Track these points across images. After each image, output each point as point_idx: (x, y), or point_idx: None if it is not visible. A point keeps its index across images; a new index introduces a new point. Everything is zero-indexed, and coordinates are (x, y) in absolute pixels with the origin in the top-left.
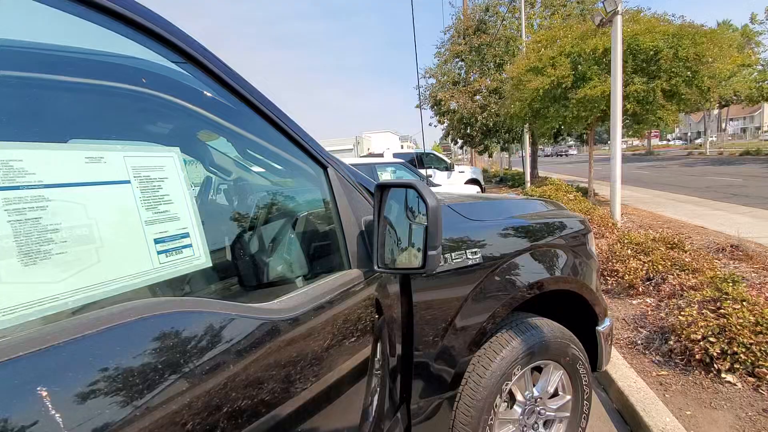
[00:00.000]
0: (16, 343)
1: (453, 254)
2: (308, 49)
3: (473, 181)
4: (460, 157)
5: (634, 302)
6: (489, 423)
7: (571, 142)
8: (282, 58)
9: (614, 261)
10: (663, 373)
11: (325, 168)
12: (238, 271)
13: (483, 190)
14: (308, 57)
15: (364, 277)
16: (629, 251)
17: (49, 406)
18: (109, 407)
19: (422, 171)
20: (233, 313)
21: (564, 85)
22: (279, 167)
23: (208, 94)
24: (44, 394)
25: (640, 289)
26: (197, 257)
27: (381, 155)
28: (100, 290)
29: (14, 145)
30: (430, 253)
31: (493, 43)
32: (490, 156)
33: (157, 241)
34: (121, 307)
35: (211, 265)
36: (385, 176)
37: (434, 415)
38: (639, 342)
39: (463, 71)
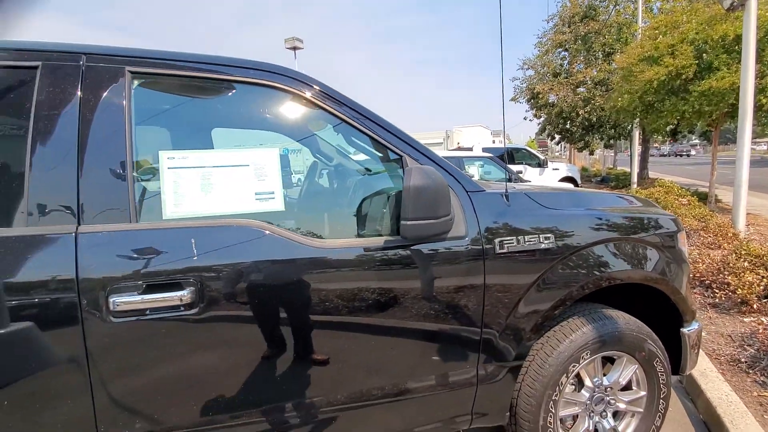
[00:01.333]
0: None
1: (526, 237)
2: (404, 43)
3: (568, 179)
4: (557, 153)
5: (745, 320)
6: (553, 398)
7: (695, 141)
8: (379, 53)
9: (726, 273)
10: (766, 394)
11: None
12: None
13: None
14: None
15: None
16: (746, 264)
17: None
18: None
19: (512, 167)
20: (286, 235)
21: (684, 76)
22: (371, 159)
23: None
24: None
25: (755, 306)
26: (277, 204)
27: (470, 149)
28: (228, 211)
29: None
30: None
31: (602, 31)
32: (591, 153)
33: (257, 194)
34: (234, 219)
35: (283, 209)
36: (472, 170)
37: (498, 380)
38: (743, 360)
39: (566, 62)
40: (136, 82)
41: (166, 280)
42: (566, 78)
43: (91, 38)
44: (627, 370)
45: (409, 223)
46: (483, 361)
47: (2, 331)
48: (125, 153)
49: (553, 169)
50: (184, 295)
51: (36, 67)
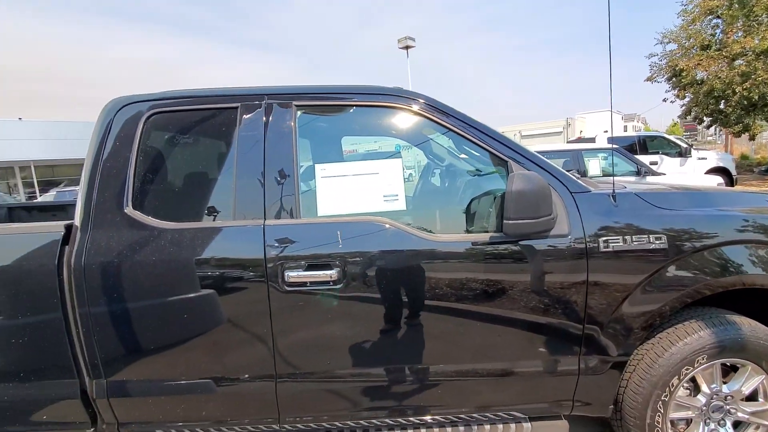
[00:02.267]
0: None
1: (633, 237)
2: (515, 27)
3: (718, 171)
4: (711, 138)
5: None
6: (662, 399)
7: None
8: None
9: None
10: None
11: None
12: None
13: (734, 182)
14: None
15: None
16: None
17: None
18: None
19: (644, 158)
20: (407, 230)
21: None
22: (478, 162)
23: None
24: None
25: None
26: (400, 204)
27: (592, 140)
28: (361, 210)
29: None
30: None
31: None
32: (752, 139)
33: (384, 197)
34: (365, 216)
35: (404, 209)
36: (594, 163)
37: (601, 373)
38: None
39: (718, 31)
40: (299, 112)
41: (320, 261)
42: (718, 50)
43: (231, 53)
44: (752, 380)
45: (510, 222)
46: (584, 353)
47: (227, 288)
48: (293, 167)
49: (699, 159)
50: (333, 273)
51: (237, 107)
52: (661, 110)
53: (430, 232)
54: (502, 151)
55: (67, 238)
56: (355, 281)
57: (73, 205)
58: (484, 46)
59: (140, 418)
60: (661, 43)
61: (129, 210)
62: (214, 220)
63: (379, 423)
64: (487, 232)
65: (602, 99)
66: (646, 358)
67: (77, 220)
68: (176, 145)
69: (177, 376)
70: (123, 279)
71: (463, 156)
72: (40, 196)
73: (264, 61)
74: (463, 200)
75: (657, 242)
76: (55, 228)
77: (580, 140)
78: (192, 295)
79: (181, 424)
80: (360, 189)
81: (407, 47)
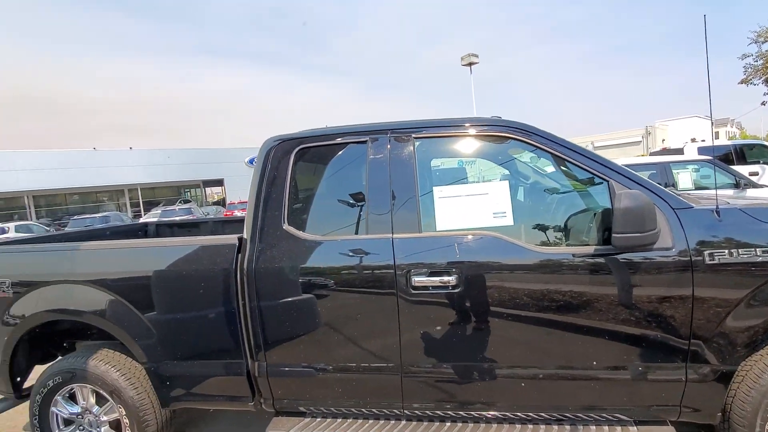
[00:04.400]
0: (454, 235)
1: (739, 250)
2: (583, 35)
3: None
4: None
5: None
6: None
7: None
8: (556, 49)
9: None
10: None
11: (607, 182)
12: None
13: None
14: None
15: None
16: None
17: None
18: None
19: (742, 168)
20: (515, 242)
21: None
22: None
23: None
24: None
25: None
26: (508, 221)
27: (680, 150)
28: (474, 226)
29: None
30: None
31: None
32: None
33: (494, 213)
34: (479, 231)
35: (512, 224)
36: (685, 176)
37: (707, 382)
38: None
39: None
40: (417, 143)
41: (440, 269)
42: None
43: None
44: None
45: (619, 235)
46: (690, 362)
47: (363, 290)
48: (414, 189)
49: None
50: (452, 280)
51: (366, 141)
52: (758, 114)
53: (538, 244)
54: (603, 172)
55: (238, 248)
56: (470, 286)
57: (199, 224)
58: (551, 56)
59: (291, 395)
60: (755, 42)
61: (285, 226)
62: (351, 233)
63: (490, 416)
64: (588, 245)
65: (684, 105)
66: (755, 368)
67: (246, 234)
68: (319, 172)
69: (321, 363)
70: (282, 281)
71: (560, 176)
72: (144, 214)
73: (328, 83)
74: (561, 216)
75: (764, 255)
76: (230, 240)
77: (665, 151)
78: (333, 294)
79: (321, 400)
80: (472, 207)
81: (470, 64)
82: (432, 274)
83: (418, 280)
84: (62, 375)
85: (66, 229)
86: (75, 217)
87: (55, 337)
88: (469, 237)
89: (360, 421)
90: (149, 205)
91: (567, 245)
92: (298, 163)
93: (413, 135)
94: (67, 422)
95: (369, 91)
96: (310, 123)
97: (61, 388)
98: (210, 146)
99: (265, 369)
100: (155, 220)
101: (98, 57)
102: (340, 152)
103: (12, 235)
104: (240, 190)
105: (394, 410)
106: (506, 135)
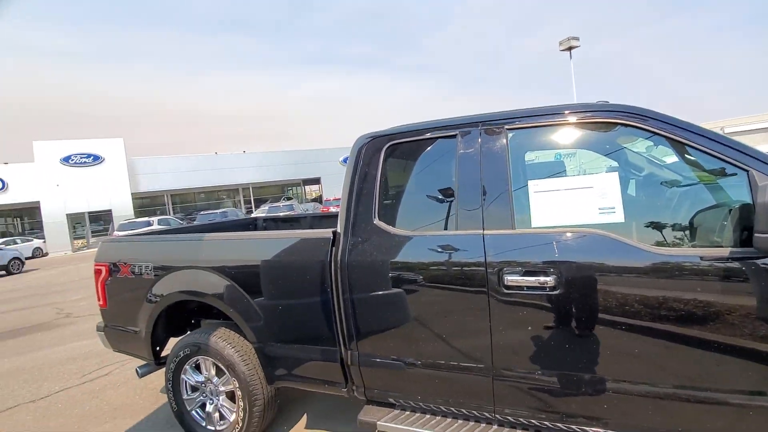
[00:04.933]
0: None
1: None
2: (705, 5)
3: None
4: None
5: None
6: None
7: None
8: (675, 24)
9: None
10: None
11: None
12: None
13: None
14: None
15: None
16: None
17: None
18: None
19: None
20: (626, 241)
21: None
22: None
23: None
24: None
25: None
26: (617, 217)
27: None
28: (575, 222)
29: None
30: None
31: None
32: None
33: (600, 209)
34: (582, 228)
35: (623, 221)
36: None
37: None
38: None
39: None
40: (510, 134)
41: (537, 268)
42: None
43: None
44: None
45: (763, 235)
46: None
47: (452, 287)
48: (507, 183)
49: None
50: (549, 280)
51: (455, 135)
52: None
53: (656, 244)
54: (741, 161)
55: (333, 241)
56: (571, 289)
57: (300, 218)
58: (667, 33)
59: (381, 386)
60: None
61: (376, 221)
62: (440, 229)
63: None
64: (720, 246)
65: None
66: None
67: (340, 228)
68: (409, 168)
69: (409, 357)
70: (372, 274)
71: (682, 167)
72: (255, 210)
73: (420, 82)
74: (684, 213)
75: None
76: (325, 234)
77: None
78: (422, 289)
79: (410, 395)
80: (574, 202)
81: (570, 48)
82: (527, 273)
83: (512, 279)
84: (190, 348)
85: (195, 222)
86: (201, 212)
87: (186, 314)
88: (571, 234)
89: (449, 420)
90: (259, 202)
91: (691, 246)
92: (388, 159)
93: (506, 126)
94: (194, 389)
95: (461, 87)
96: (403, 122)
97: (189, 359)
98: (308, 147)
99: (357, 358)
100: (263, 215)
101: (215, 71)
102: (430, 147)
103: (156, 227)
104: (335, 188)
105: (485, 413)
106: (615, 121)
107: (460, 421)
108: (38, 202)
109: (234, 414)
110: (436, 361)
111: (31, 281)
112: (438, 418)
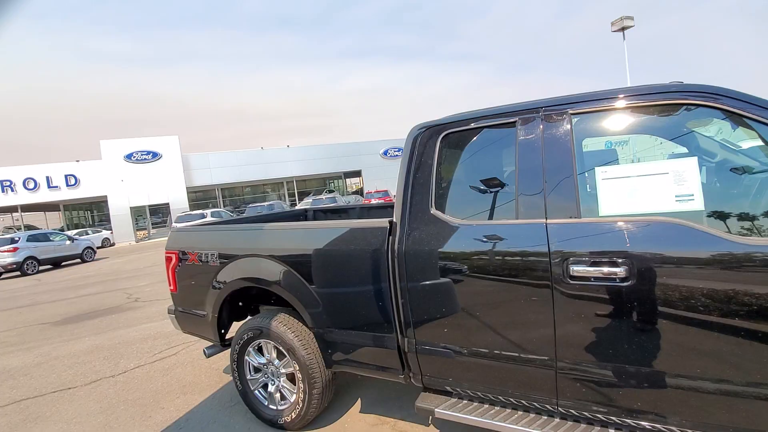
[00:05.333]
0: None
1: None
2: None
3: None
4: None
5: None
6: None
7: None
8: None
9: None
10: None
11: None
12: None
13: None
14: None
15: None
16: None
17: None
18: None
19: None
20: (707, 231)
21: None
22: None
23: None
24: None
25: None
26: (695, 205)
27: None
28: (649, 211)
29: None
30: None
31: None
32: None
33: (677, 197)
34: (656, 217)
35: (703, 209)
36: None
37: None
38: None
39: None
40: (574, 119)
41: (606, 258)
42: None
43: (430, 71)
44: None
45: None
46: None
47: (513, 277)
48: (572, 170)
49: None
50: (620, 271)
51: (515, 121)
52: None
53: (741, 234)
54: None
55: (389, 231)
56: (645, 280)
57: (348, 209)
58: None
59: (438, 374)
60: None
61: (433, 210)
62: (499, 218)
63: (664, 430)
64: None
65: None
66: None
67: (396, 218)
68: (466, 157)
69: (468, 347)
70: (429, 263)
71: (761, 152)
72: (299, 203)
73: (462, 71)
74: (765, 201)
75: None
76: (382, 223)
77: None
78: (480, 279)
79: (467, 384)
80: (647, 189)
81: (623, 29)
82: (595, 263)
83: (578, 269)
84: (253, 331)
85: (244, 214)
86: (250, 205)
87: (247, 300)
88: (643, 223)
89: (508, 410)
90: (302, 195)
91: None
92: (444, 149)
93: (570, 111)
94: (256, 369)
95: (505, 74)
96: (445, 112)
97: (252, 342)
98: (349, 140)
99: (414, 346)
100: (313, 206)
101: (259, 70)
102: (488, 135)
103: (209, 219)
104: (376, 180)
105: (546, 405)
106: (692, 102)
107: (519, 412)
108: (105, 197)
109: (294, 395)
110: (494, 352)
111: (102, 268)
112: (497, 408)
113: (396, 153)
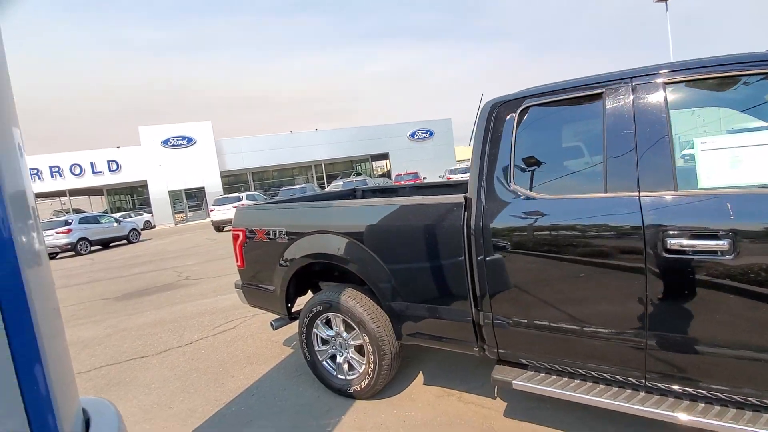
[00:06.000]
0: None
1: None
2: None
3: None
4: None
5: None
6: None
7: None
8: None
9: None
10: None
11: None
12: None
13: None
14: None
15: None
16: None
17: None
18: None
19: None
20: None
21: None
22: None
23: None
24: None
25: None
26: None
27: None
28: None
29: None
30: None
31: None
32: None
33: None
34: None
35: None
36: None
37: None
38: None
39: None
40: (670, 88)
41: (705, 231)
42: None
43: (456, 50)
44: None
45: None
46: None
47: (601, 251)
48: (667, 141)
49: None
50: (722, 244)
51: (602, 92)
52: None
53: None
54: None
55: (465, 206)
56: (749, 254)
57: (397, 189)
58: None
59: (515, 346)
60: None
61: (513, 186)
62: (585, 192)
63: (743, 401)
64: None
65: None
66: None
67: (471, 194)
68: (547, 130)
69: (550, 322)
70: (510, 239)
71: None
72: (327, 186)
73: (490, 49)
74: None
75: None
76: (457, 199)
77: None
78: (565, 254)
79: (546, 357)
80: (752, 160)
81: None
82: (694, 237)
83: (676, 243)
84: (322, 305)
85: (277, 197)
86: (283, 188)
87: (310, 276)
88: (749, 195)
89: (589, 384)
90: (330, 179)
91: None
92: (524, 122)
93: (663, 80)
94: (324, 341)
95: (535, 51)
96: (474, 94)
97: (321, 315)
98: (376, 123)
99: (491, 319)
100: (361, 186)
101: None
102: (571, 107)
103: (245, 202)
104: (403, 162)
105: (631, 379)
106: None
107: (601, 386)
108: (145, 181)
109: (363, 366)
110: (578, 327)
111: (148, 249)
112: (576, 381)
113: (423, 135)
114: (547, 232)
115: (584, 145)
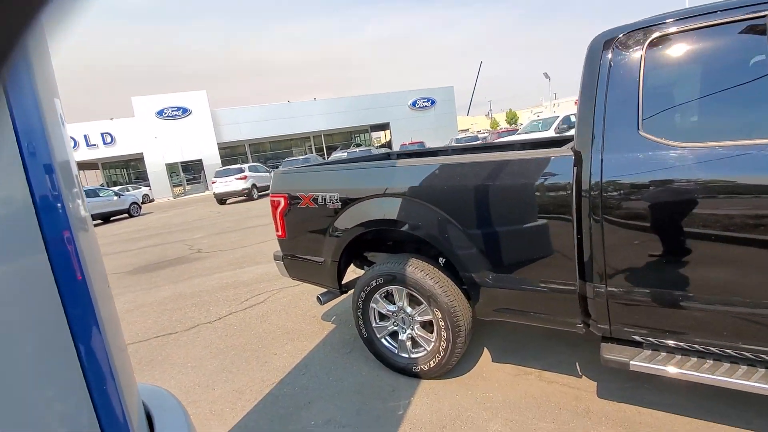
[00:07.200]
0: None
1: None
2: None
3: None
4: None
5: None
6: None
7: None
8: None
9: None
10: None
11: None
12: None
13: None
14: None
15: None
16: None
17: None
18: None
19: None
20: None
21: None
22: None
23: None
24: None
25: None
26: None
27: None
28: None
29: None
30: None
31: None
32: None
33: None
34: None
35: None
36: None
37: None
38: None
39: None
40: None
41: None
42: None
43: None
44: None
45: None
46: None
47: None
48: None
49: None
50: None
51: (763, 16)
52: None
53: None
54: None
55: (572, 161)
56: None
57: (438, 151)
58: None
59: (633, 322)
60: None
61: (642, 132)
62: (738, 139)
63: None
64: None
65: None
66: None
67: (581, 146)
68: (686, 65)
69: (680, 294)
70: (636, 197)
71: None
72: (328, 156)
73: (487, 13)
74: None
75: None
76: (565, 152)
77: None
78: (708, 214)
79: (673, 335)
80: None
81: None
82: None
83: None
84: (384, 277)
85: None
86: (286, 159)
87: (360, 246)
88: None
89: (726, 365)
90: (329, 150)
91: None
92: (653, 57)
93: None
94: (382, 317)
95: (532, 13)
96: (470, 60)
97: (380, 289)
98: (374, 92)
99: (604, 292)
100: (385, 151)
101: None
102: (715, 36)
103: (248, 174)
104: (404, 132)
105: (763, 356)
106: None
107: (743, 367)
108: (141, 154)
109: (433, 343)
110: (722, 301)
111: (151, 222)
112: (709, 362)
113: (425, 104)
114: (686, 190)
115: (741, 81)
